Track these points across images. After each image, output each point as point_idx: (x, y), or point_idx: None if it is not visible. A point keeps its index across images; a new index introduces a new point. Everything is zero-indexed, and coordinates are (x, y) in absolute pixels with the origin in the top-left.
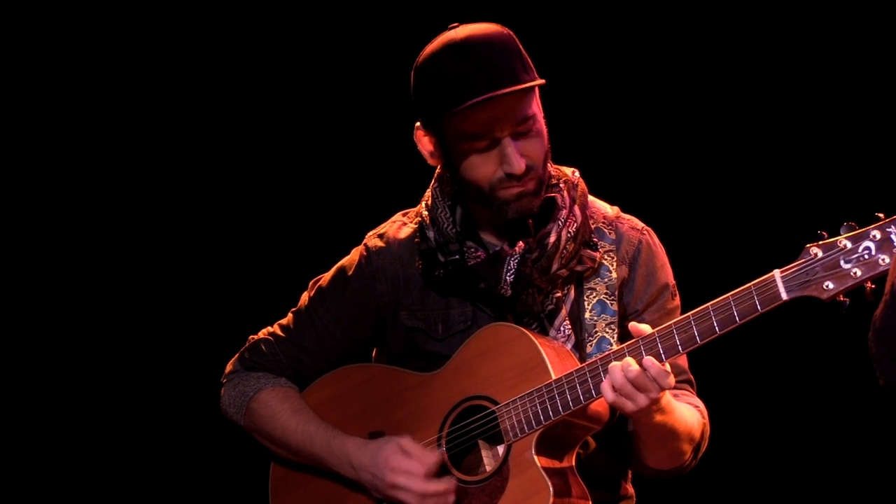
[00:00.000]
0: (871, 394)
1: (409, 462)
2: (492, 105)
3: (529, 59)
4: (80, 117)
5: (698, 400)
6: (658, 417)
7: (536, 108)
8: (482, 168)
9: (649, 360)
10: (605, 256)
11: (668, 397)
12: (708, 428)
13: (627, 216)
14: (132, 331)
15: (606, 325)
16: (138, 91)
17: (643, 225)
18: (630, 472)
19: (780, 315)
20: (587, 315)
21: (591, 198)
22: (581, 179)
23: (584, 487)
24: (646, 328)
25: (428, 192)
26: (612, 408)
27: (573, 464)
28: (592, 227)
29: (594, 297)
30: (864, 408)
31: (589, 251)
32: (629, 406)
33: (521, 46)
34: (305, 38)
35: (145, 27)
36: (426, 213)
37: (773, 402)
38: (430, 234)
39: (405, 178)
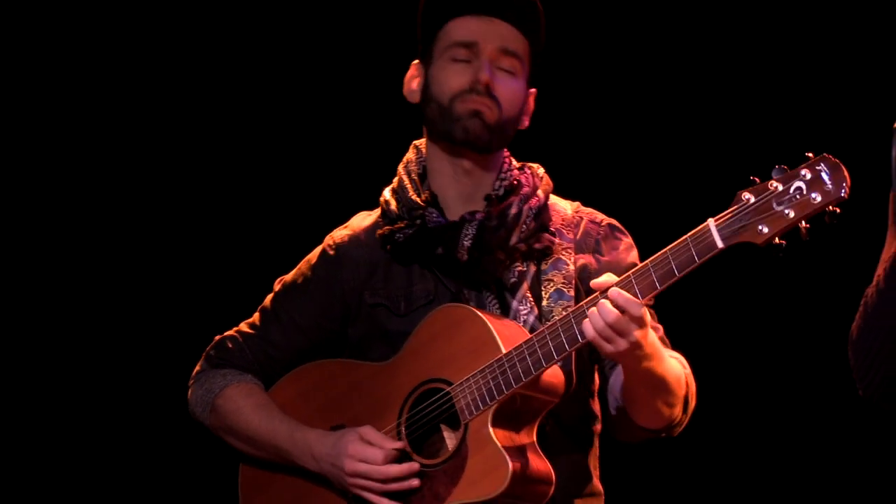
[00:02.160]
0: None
1: (368, 449)
2: (486, 20)
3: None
4: (37, 115)
5: (677, 353)
6: (646, 364)
7: (525, 64)
8: (452, 78)
9: (615, 291)
10: (563, 252)
11: (655, 344)
12: (692, 381)
13: (588, 209)
14: (102, 332)
15: (563, 309)
16: (97, 93)
17: (603, 216)
18: (598, 469)
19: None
20: (544, 303)
21: (552, 197)
22: (547, 175)
23: (548, 465)
24: (607, 279)
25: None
26: (570, 377)
27: (534, 440)
28: (553, 228)
29: (551, 287)
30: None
31: (548, 235)
32: (608, 347)
33: None
34: (277, 43)
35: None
36: (391, 187)
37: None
38: (393, 202)
39: (375, 185)
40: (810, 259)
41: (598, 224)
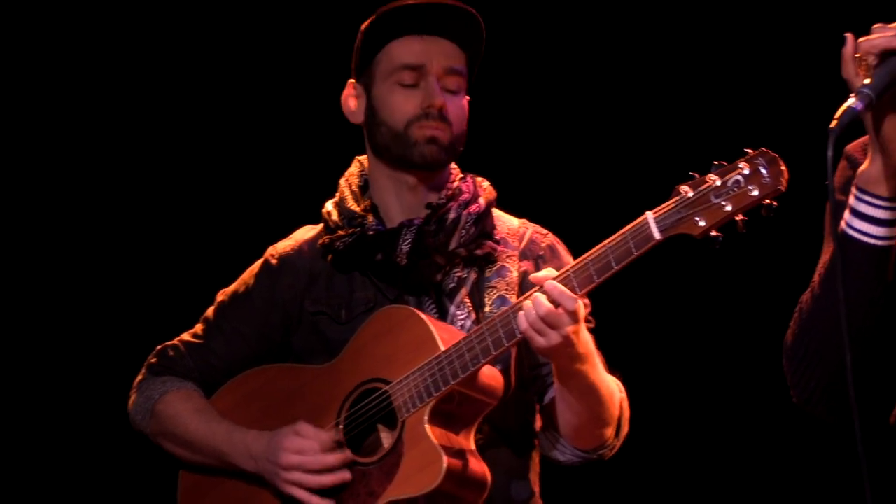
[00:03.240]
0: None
1: (305, 441)
2: (429, 40)
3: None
4: None
5: (614, 377)
6: (578, 365)
7: (466, 78)
8: (404, 104)
9: (551, 284)
10: (507, 260)
11: (589, 345)
12: (627, 407)
13: (533, 224)
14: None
15: None
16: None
17: (548, 231)
18: (538, 485)
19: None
20: (487, 309)
21: (497, 211)
22: (491, 186)
23: (485, 469)
24: (546, 273)
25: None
26: (508, 380)
27: (472, 444)
28: (497, 237)
29: (495, 294)
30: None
31: (491, 242)
32: (540, 341)
33: None
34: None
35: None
36: (333, 200)
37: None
38: (335, 213)
39: (318, 200)
40: (747, 266)
41: (544, 236)
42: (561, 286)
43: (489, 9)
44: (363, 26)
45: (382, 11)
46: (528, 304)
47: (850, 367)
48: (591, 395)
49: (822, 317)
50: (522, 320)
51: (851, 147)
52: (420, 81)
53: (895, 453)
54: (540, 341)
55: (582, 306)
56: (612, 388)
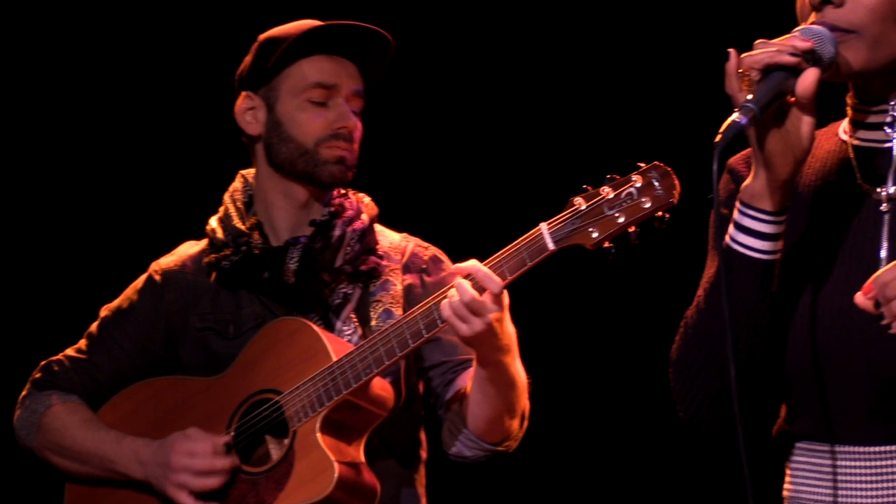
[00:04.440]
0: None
1: (197, 443)
2: (339, 61)
3: None
4: None
5: None
6: (500, 356)
7: (364, 101)
8: (314, 122)
9: (476, 266)
10: (391, 274)
11: (512, 337)
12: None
13: (414, 238)
14: None
15: None
16: None
17: (429, 245)
18: (425, 498)
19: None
20: (374, 323)
21: (378, 226)
22: (373, 202)
23: (375, 481)
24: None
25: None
26: (399, 392)
27: (362, 455)
28: (380, 252)
29: (380, 308)
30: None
31: (374, 258)
32: (464, 328)
33: None
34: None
35: None
36: (217, 216)
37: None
38: (220, 230)
39: (202, 216)
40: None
41: (425, 249)
42: (486, 269)
43: (374, 16)
44: (262, 37)
45: (301, 31)
46: (452, 291)
47: (735, 380)
48: (509, 387)
49: (707, 330)
50: (446, 308)
51: (733, 161)
52: (329, 101)
53: (778, 464)
54: (463, 329)
55: (506, 294)
56: (524, 380)
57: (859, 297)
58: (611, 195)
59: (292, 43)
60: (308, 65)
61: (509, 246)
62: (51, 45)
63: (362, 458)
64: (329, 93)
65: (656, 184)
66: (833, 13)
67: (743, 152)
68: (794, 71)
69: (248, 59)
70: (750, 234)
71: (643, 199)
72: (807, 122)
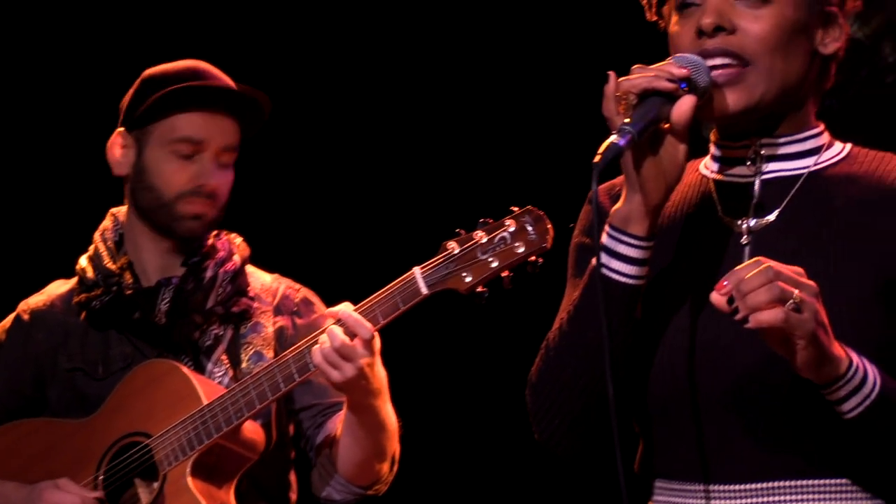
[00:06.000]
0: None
1: (66, 496)
2: (212, 116)
3: None
4: None
5: None
6: (371, 400)
7: (237, 151)
8: (176, 175)
9: (346, 312)
10: (262, 316)
11: (383, 380)
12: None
13: (286, 279)
14: None
15: None
16: None
17: (301, 286)
18: None
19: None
20: (244, 365)
21: (250, 267)
22: (245, 243)
23: None
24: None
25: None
26: (269, 435)
27: (233, 501)
28: (251, 294)
29: (251, 350)
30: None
31: (245, 299)
32: (335, 374)
33: None
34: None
35: None
36: (87, 255)
37: None
38: (90, 270)
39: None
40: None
41: (296, 290)
42: (356, 314)
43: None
44: (145, 74)
45: (178, 81)
46: (323, 337)
47: (613, 399)
48: (380, 430)
49: (570, 354)
50: (317, 354)
51: (599, 189)
52: (196, 155)
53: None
54: (334, 375)
55: (378, 339)
56: (395, 424)
57: (714, 295)
58: (484, 239)
59: (165, 95)
60: (179, 118)
61: (383, 290)
62: None
63: (233, 501)
64: (196, 147)
65: (529, 228)
66: (725, 40)
67: (605, 184)
68: (671, 97)
69: (128, 94)
70: (619, 258)
71: (516, 244)
72: (681, 149)
